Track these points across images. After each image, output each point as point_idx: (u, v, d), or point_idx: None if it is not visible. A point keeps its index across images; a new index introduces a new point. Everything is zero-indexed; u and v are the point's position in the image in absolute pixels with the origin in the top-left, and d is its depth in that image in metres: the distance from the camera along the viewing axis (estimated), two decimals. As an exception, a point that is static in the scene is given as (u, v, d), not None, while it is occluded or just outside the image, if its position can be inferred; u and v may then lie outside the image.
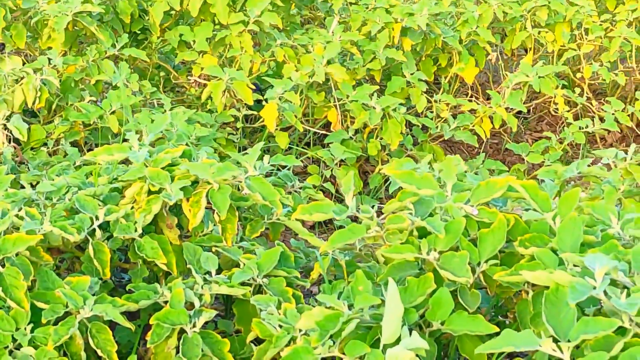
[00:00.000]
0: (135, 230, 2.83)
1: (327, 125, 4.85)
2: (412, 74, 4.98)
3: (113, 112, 4.20)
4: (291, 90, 4.41)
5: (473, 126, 4.93)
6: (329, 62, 4.63)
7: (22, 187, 3.60)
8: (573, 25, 5.40)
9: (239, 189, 2.98)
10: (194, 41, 4.78)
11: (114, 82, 4.39)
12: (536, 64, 5.11)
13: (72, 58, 4.41)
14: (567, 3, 5.42)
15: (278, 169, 3.67)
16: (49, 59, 4.29)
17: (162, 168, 2.93)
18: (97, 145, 4.42)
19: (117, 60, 4.65)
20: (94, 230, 2.84)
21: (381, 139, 4.61)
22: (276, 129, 4.40)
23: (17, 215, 2.76)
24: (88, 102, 4.34)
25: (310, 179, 4.39)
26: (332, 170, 4.50)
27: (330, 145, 4.58)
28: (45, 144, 4.22)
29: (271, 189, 2.85)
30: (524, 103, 5.11)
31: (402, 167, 2.70)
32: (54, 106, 4.41)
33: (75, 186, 3.11)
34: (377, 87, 4.69)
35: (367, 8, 5.20)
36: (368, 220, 2.53)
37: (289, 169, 3.55)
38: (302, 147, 4.86)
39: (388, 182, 4.70)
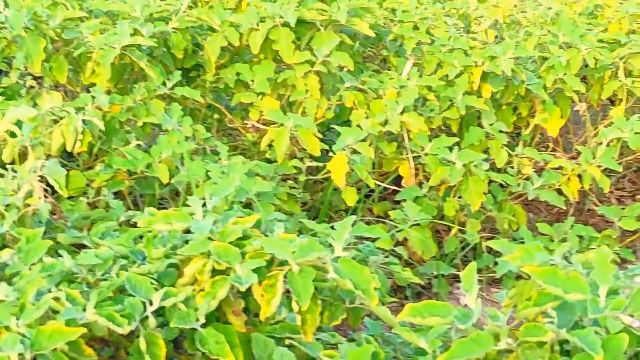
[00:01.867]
0: (197, 320, 2.32)
1: (395, 179, 4.34)
2: (491, 125, 4.47)
3: (162, 161, 3.70)
4: (363, 141, 3.90)
5: (559, 185, 4.39)
6: (403, 110, 4.12)
7: (56, 241, 3.13)
8: (670, 75, 4.87)
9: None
10: (252, 81, 4.29)
11: (164, 125, 3.89)
12: (630, 118, 4.57)
13: (118, 97, 3.91)
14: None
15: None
16: (93, 97, 3.80)
17: (230, 242, 2.42)
18: (142, 197, 3.93)
19: (167, 99, 4.16)
20: (146, 316, 2.33)
21: (459, 197, 4.08)
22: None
23: (54, 298, 2.26)
24: (134, 146, 3.84)
25: (380, 242, 3.85)
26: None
27: (401, 203, 4.06)
28: (84, 193, 3.72)
29: (365, 275, 2.32)
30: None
31: (532, 257, 2.16)
32: (95, 150, 3.91)
33: (123, 256, 2.61)
34: (457, 138, 4.17)
35: (442, 49, 4.70)
36: (496, 328, 2.00)
37: (372, 241, 3.03)
38: (368, 204, 4.36)
39: (466, 248, 4.18)
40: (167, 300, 2.33)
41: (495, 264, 4.20)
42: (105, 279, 2.50)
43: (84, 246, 3.06)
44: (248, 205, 3.47)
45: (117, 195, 3.77)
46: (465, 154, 4.02)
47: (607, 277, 1.98)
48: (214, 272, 2.41)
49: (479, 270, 4.17)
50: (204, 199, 2.69)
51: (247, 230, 2.49)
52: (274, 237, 2.45)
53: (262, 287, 2.37)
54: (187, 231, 2.59)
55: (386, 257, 3.04)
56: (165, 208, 4.00)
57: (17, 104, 3.71)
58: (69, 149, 3.67)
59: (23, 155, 3.61)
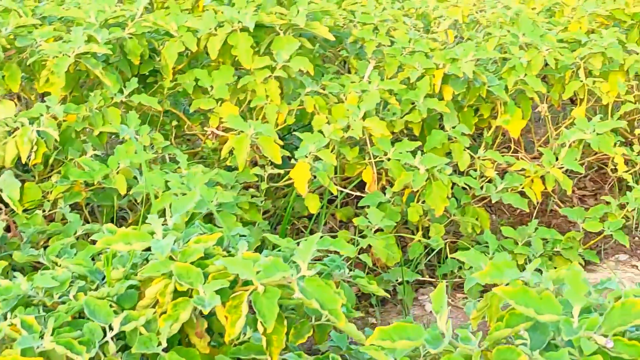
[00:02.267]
0: (159, 344, 2.25)
1: (358, 184, 4.28)
2: (453, 127, 4.42)
3: (119, 171, 3.60)
4: (325, 148, 3.83)
5: (522, 187, 4.36)
6: (365, 115, 4.06)
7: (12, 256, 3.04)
8: (630, 75, 4.85)
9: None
10: (211, 87, 4.20)
11: (121, 134, 3.79)
12: (592, 119, 4.55)
13: (73, 106, 3.81)
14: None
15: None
16: (47, 107, 3.69)
17: (192, 262, 2.35)
18: (100, 207, 3.84)
19: (124, 107, 4.06)
20: (106, 342, 2.26)
21: (423, 202, 4.03)
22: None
23: (10, 325, 2.17)
24: (91, 156, 3.74)
25: (344, 251, 3.79)
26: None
27: (365, 209, 4.01)
28: (40, 205, 3.62)
29: (331, 295, 2.27)
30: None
31: (502, 273, 2.12)
32: (51, 160, 3.80)
33: (81, 277, 2.53)
34: (419, 143, 4.12)
35: (403, 51, 4.65)
36: (468, 351, 1.95)
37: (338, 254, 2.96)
38: (332, 210, 4.30)
39: (431, 254, 4.14)
40: (127, 324, 2.26)
41: (460, 268, 4.16)
42: (64, 302, 2.42)
43: (41, 264, 2.97)
44: (209, 214, 3.40)
45: (74, 206, 3.68)
46: (428, 159, 3.97)
47: (580, 297, 1.94)
48: (176, 293, 2.34)
49: (444, 276, 4.14)
50: (164, 214, 2.62)
51: (209, 249, 2.42)
52: (237, 255, 2.38)
53: (226, 309, 2.30)
54: (148, 248, 2.51)
55: (350, 268, 2.97)
56: (124, 218, 3.93)
57: (-31, 115, 3.60)
58: (23, 160, 3.58)
59: (-24, 168, 3.52)
